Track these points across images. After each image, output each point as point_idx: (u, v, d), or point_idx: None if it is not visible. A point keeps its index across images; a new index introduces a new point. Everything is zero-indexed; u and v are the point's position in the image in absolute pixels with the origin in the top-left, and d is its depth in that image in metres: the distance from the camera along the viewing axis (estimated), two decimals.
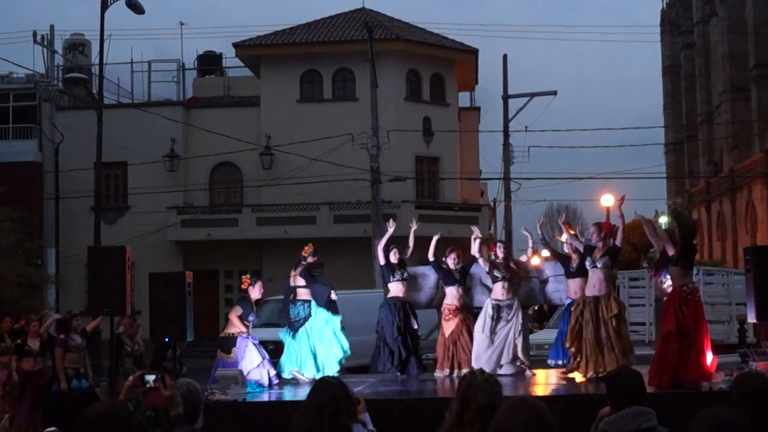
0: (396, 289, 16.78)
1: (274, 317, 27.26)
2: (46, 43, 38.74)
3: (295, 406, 5.79)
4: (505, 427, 4.37)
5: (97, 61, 32.94)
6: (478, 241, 16.88)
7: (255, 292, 15.48)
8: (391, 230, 17.18)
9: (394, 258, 16.86)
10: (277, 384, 15.25)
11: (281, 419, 7.61)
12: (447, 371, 16.07)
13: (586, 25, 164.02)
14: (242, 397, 13.50)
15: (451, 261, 16.59)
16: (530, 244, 17.09)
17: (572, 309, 14.92)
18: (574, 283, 15.42)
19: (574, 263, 15.34)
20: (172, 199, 41.80)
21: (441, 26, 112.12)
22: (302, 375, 15.72)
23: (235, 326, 15.08)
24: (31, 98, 41.83)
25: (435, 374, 16.20)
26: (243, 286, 15.65)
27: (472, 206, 43.79)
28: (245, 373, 14.73)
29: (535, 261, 18.53)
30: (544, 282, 16.95)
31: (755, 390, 5.32)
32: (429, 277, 17.71)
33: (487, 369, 15.55)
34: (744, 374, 6.18)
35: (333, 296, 16.38)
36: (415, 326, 16.85)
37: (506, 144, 42.89)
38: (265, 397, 14.11)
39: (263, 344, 16.23)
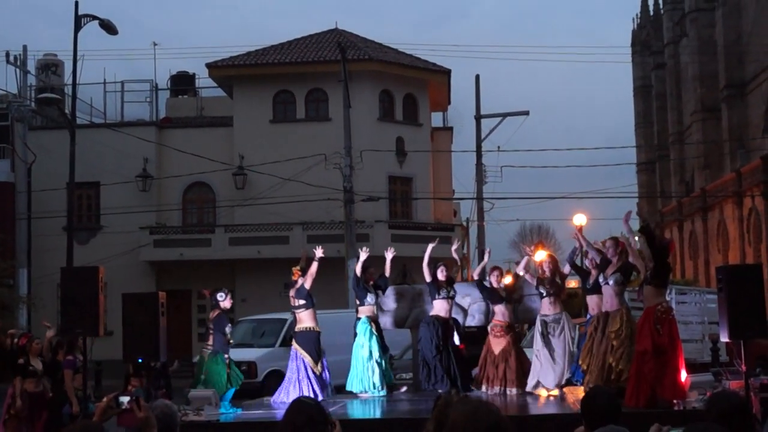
0: (439, 306, 16.62)
1: (247, 337, 27.24)
2: (18, 63, 38.60)
3: (270, 427, 5.78)
4: None
5: (70, 82, 32.88)
6: (525, 259, 17.10)
7: (308, 282, 15.94)
8: (431, 246, 17.11)
9: (441, 275, 16.71)
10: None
11: None
12: (497, 389, 15.95)
13: (557, 46, 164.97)
14: (216, 418, 13.45)
15: (494, 279, 16.56)
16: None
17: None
18: (591, 300, 15.33)
19: (592, 279, 15.23)
20: (145, 219, 41.67)
21: (414, 47, 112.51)
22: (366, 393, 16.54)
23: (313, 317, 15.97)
24: (3, 118, 41.61)
25: (483, 391, 16.01)
26: (294, 278, 15.98)
27: (445, 226, 43.80)
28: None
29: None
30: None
31: (731, 409, 5.34)
32: (404, 297, 17.78)
33: (554, 384, 15.60)
34: (719, 393, 6.21)
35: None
36: (458, 342, 16.69)
37: (479, 164, 43.00)
38: (239, 418, 14.06)
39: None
